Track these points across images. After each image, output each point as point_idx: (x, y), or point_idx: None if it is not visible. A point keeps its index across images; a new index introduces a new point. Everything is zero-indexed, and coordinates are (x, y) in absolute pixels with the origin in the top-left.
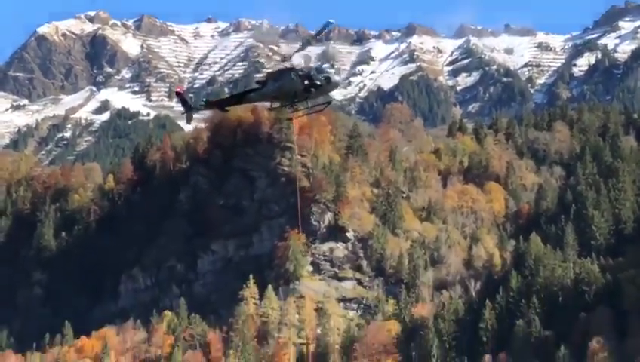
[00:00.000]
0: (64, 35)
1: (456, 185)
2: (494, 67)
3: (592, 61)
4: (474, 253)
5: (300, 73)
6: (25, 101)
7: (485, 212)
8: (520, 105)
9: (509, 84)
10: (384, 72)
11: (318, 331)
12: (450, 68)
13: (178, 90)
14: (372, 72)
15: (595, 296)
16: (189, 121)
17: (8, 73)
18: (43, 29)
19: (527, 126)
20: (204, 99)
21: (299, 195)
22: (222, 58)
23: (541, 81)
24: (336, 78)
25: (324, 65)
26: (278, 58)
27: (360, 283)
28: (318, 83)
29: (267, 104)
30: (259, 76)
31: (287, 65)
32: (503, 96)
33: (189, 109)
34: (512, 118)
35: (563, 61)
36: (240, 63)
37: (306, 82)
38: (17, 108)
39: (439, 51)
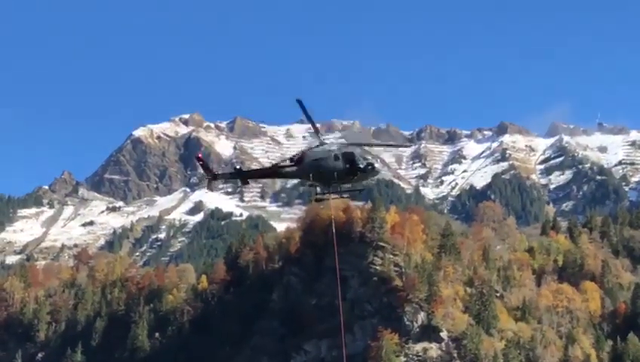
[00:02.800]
0: (159, 137)
1: (551, 284)
2: (588, 165)
3: None
4: (570, 354)
5: (342, 154)
6: (120, 203)
7: (581, 311)
8: (614, 204)
9: (603, 182)
10: (476, 171)
11: None
12: (542, 166)
13: (199, 156)
14: (464, 171)
15: None
16: (209, 187)
17: (104, 176)
18: (138, 132)
19: (623, 224)
20: (235, 167)
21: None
22: None
23: (635, 178)
24: (377, 165)
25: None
26: (370, 158)
27: None
28: (362, 167)
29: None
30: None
31: (326, 145)
32: (596, 195)
33: (211, 176)
34: (606, 216)
35: None
36: None
37: (348, 165)
38: (113, 210)
39: (531, 150)
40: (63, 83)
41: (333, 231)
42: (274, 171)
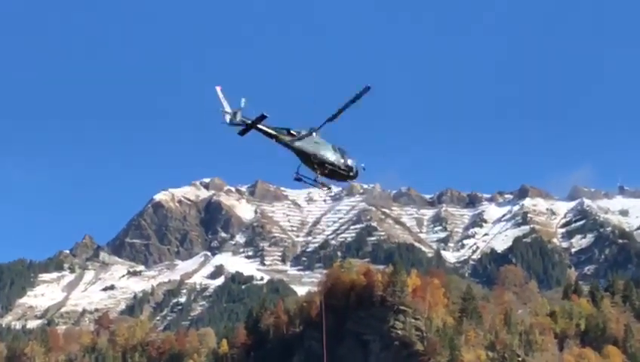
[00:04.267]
0: (180, 201)
1: (573, 348)
2: (609, 229)
3: None
4: None
5: (339, 148)
6: (141, 267)
7: None
8: (636, 268)
9: (625, 246)
10: (497, 234)
11: None
12: (564, 230)
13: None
14: (485, 234)
15: None
16: (224, 118)
17: (125, 240)
18: (159, 196)
19: None
20: (247, 120)
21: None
22: (334, 222)
23: None
24: (361, 172)
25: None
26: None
27: None
28: (351, 165)
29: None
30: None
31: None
32: (618, 258)
33: (227, 113)
34: (628, 280)
35: None
36: (352, 227)
37: (342, 160)
38: (134, 274)
39: (553, 213)
40: (84, 147)
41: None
42: (278, 134)
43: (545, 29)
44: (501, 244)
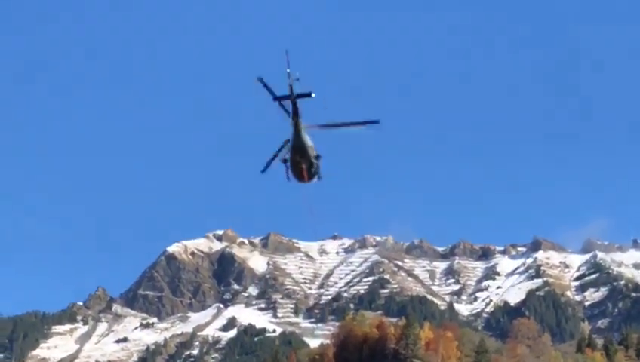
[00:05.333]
0: (193, 253)
1: None
2: (623, 282)
3: None
4: None
5: (309, 141)
6: (154, 319)
7: None
8: None
9: (639, 300)
10: (510, 287)
11: None
12: (577, 283)
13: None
14: (498, 287)
15: None
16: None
17: (138, 292)
18: (172, 248)
19: None
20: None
21: None
22: (347, 274)
23: None
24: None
25: None
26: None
27: None
28: (313, 157)
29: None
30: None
31: None
32: (632, 312)
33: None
34: None
35: None
36: (365, 279)
37: (311, 150)
38: (146, 326)
39: (566, 266)
40: (96, 200)
41: None
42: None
43: (551, 86)
44: (514, 297)
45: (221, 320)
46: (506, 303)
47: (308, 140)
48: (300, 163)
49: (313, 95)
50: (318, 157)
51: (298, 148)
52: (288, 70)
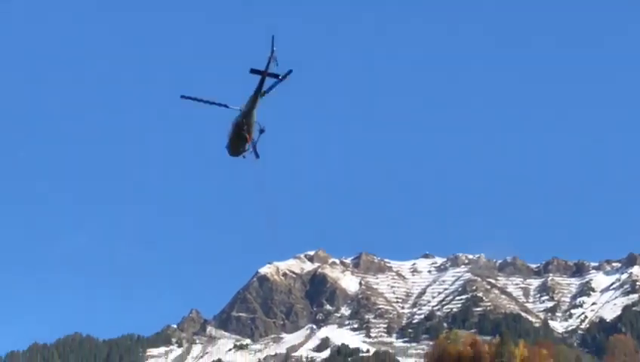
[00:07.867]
0: (285, 274)
1: None
2: None
3: None
4: None
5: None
6: (248, 340)
7: None
8: None
9: None
10: (606, 303)
11: None
12: None
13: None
14: (593, 304)
15: None
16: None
17: (231, 313)
18: (264, 270)
19: None
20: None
21: None
22: (439, 293)
23: None
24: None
25: None
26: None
27: None
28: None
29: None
30: None
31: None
32: None
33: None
34: None
35: None
36: (458, 298)
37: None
38: (240, 347)
39: None
40: (188, 223)
41: None
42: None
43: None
44: (610, 313)
45: (314, 341)
46: (601, 319)
47: (255, 116)
48: (243, 126)
49: (283, 77)
50: (262, 130)
51: (247, 114)
52: (274, 51)
